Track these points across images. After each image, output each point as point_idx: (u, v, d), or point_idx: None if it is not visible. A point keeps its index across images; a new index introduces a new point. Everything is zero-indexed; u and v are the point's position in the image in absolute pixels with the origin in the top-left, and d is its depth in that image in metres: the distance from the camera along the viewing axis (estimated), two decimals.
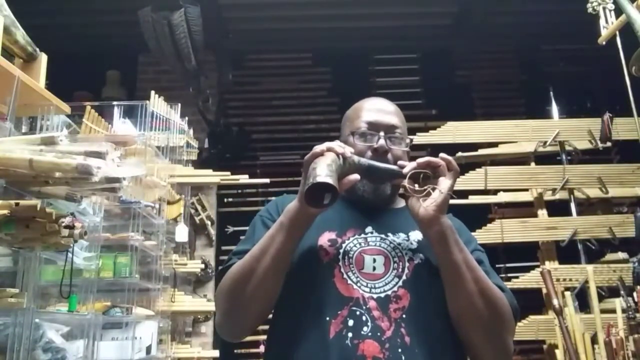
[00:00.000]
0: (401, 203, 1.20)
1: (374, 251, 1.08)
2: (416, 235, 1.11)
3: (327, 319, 1.01)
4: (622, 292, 2.71)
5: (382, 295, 1.03)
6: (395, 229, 1.12)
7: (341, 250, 1.07)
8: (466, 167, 3.17)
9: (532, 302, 3.04)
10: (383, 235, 1.11)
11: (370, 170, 1.05)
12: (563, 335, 2.66)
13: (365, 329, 0.99)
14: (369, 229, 1.12)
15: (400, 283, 1.04)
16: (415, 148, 3.64)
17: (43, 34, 1.91)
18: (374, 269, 1.05)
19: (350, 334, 0.99)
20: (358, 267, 1.05)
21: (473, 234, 1.22)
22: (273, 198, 1.26)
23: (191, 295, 3.38)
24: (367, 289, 1.03)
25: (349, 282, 1.04)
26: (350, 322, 1.00)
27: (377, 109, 1.19)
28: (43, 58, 1.78)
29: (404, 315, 1.01)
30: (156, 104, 2.90)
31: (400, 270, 1.06)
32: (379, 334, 0.99)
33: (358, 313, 1.00)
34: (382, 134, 1.14)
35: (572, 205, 3.20)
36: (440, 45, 4.45)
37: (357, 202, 1.16)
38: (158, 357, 2.59)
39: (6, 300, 1.46)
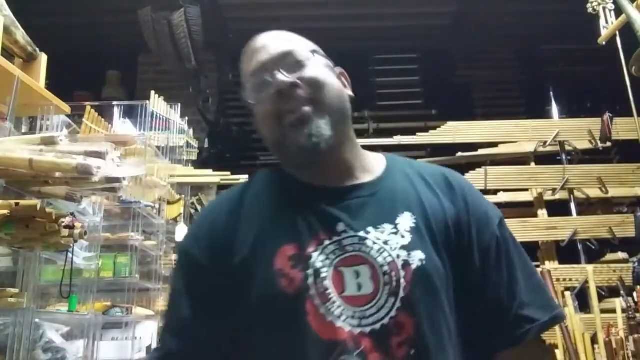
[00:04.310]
0: (366, 160, 0.85)
1: (355, 260, 0.74)
2: (406, 221, 0.77)
3: None
4: (622, 292, 2.71)
5: (378, 326, 0.71)
6: (376, 219, 0.77)
7: (309, 271, 0.74)
8: (466, 167, 3.17)
9: None
10: (362, 233, 0.76)
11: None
12: (563, 335, 2.65)
13: None
14: (340, 226, 0.77)
15: (398, 303, 0.72)
16: (415, 148, 3.67)
17: (43, 34, 1.92)
18: (359, 287, 0.73)
19: None
20: (338, 290, 0.73)
21: None
22: None
23: None
24: (356, 322, 0.72)
25: (329, 318, 0.72)
26: None
27: (258, 50, 0.84)
28: (43, 58, 1.78)
29: (412, 351, 0.71)
30: (156, 104, 2.90)
31: (394, 283, 0.73)
32: None
33: None
34: (276, 71, 0.80)
35: (572, 205, 3.20)
36: (440, 45, 4.46)
37: (301, 184, 0.82)
38: None
39: (6, 300, 1.46)
